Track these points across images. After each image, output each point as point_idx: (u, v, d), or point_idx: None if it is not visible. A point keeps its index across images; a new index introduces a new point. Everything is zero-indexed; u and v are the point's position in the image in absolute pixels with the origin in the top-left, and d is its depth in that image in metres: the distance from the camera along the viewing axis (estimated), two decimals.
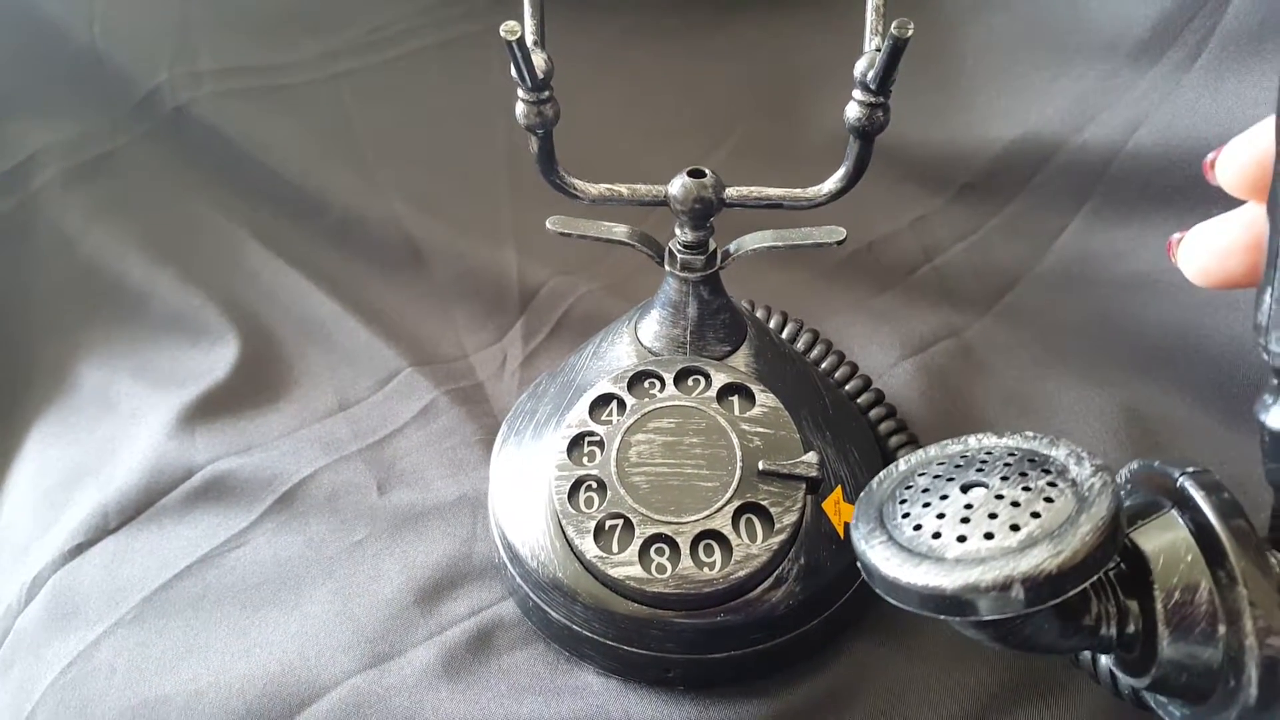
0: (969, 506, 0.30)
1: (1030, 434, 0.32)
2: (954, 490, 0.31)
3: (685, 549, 0.38)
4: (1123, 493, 0.33)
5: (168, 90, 0.66)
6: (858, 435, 0.46)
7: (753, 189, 0.41)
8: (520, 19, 0.36)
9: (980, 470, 0.32)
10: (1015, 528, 0.28)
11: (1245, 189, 0.31)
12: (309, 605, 0.45)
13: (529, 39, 0.37)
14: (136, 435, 0.54)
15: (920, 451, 0.34)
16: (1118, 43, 0.59)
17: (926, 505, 0.31)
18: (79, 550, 0.49)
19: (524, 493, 0.43)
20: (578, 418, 0.42)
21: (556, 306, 0.62)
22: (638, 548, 0.38)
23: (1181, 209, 0.57)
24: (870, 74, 0.35)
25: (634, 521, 0.39)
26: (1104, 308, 0.59)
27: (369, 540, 0.48)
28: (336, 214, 0.66)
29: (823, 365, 0.52)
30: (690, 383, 0.43)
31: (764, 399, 0.42)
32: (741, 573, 0.38)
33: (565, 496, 0.40)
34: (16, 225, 0.65)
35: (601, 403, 0.42)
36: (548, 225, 0.43)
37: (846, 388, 0.51)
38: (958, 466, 0.32)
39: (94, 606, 0.46)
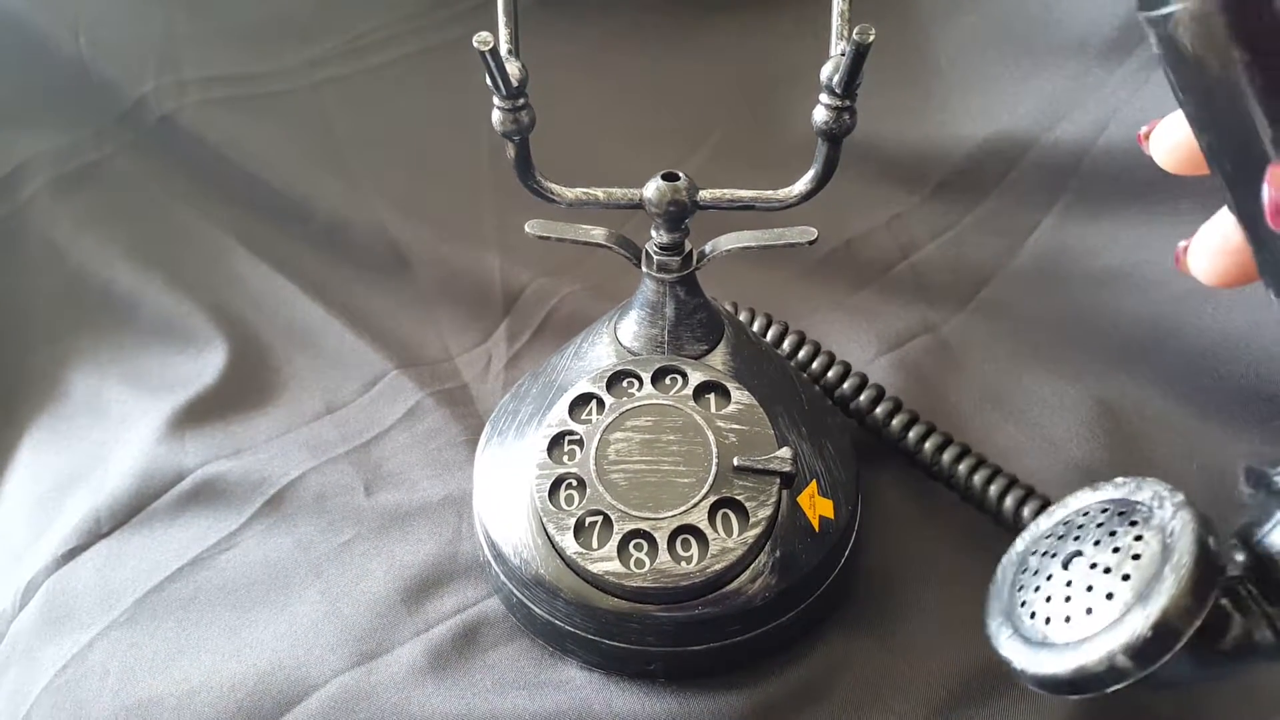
0: (1069, 584, 0.30)
1: (1120, 481, 0.32)
2: (1056, 568, 0.31)
3: (663, 544, 0.39)
4: (1248, 497, 0.31)
5: (153, 100, 0.67)
6: (834, 431, 0.47)
7: (726, 191, 0.42)
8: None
9: (1077, 538, 0.31)
10: (1110, 596, 0.28)
11: (1176, 164, 0.31)
12: (298, 605, 0.46)
13: (503, 48, 0.38)
14: (127, 440, 0.55)
15: (1032, 526, 0.34)
16: (1087, 42, 0.60)
17: (1037, 589, 0.31)
18: (72, 555, 0.50)
19: (507, 492, 0.44)
20: (558, 417, 0.43)
21: (540, 308, 0.63)
22: (616, 543, 0.39)
23: (1152, 203, 0.58)
24: (835, 78, 0.36)
25: (613, 518, 0.40)
26: (1078, 303, 0.60)
27: (356, 540, 0.49)
28: (322, 219, 0.67)
29: (813, 365, 0.53)
30: (668, 381, 0.44)
31: (739, 396, 0.43)
32: (718, 566, 0.39)
33: (546, 494, 0.41)
34: (6, 234, 0.65)
35: (581, 402, 0.43)
36: (526, 229, 0.44)
37: (844, 386, 0.51)
38: (1060, 538, 0.32)
39: (87, 610, 0.47)
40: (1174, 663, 0.28)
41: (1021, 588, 0.32)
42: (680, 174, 0.41)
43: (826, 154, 0.39)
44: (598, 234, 0.44)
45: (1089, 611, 0.29)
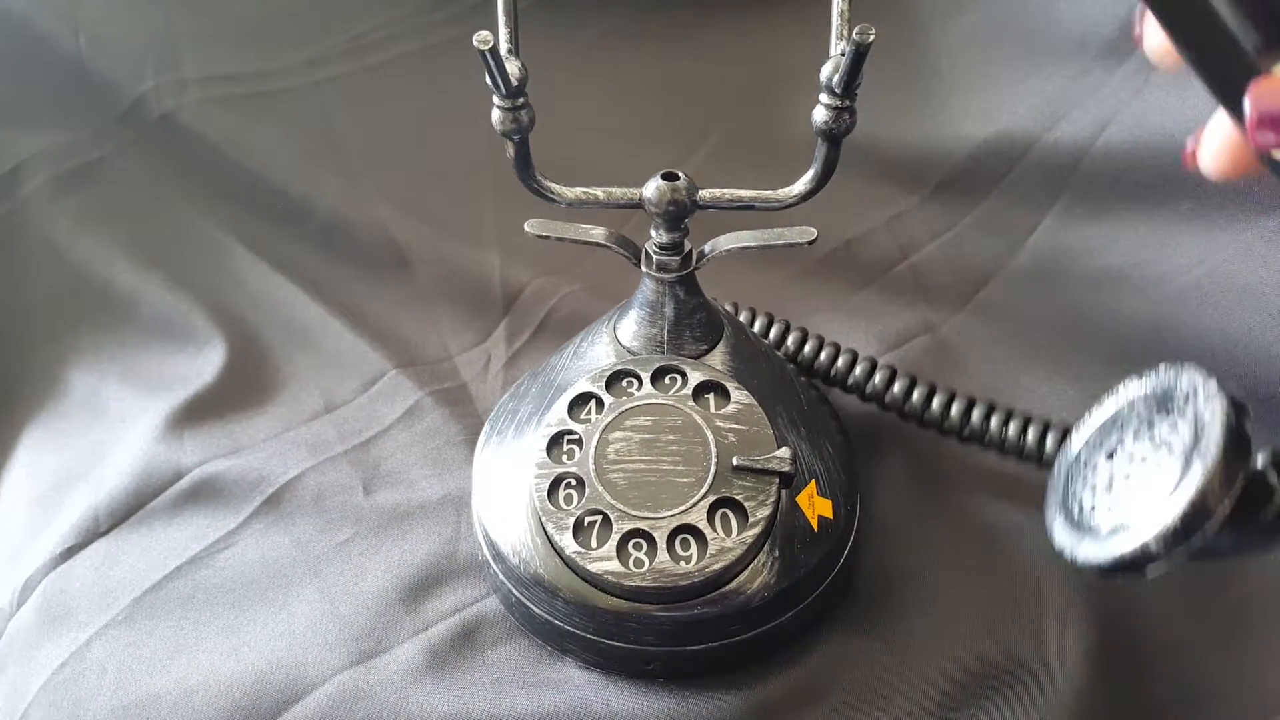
0: (1112, 475, 0.32)
1: (1162, 369, 0.32)
2: (1101, 459, 0.33)
3: (662, 543, 0.39)
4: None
5: (153, 98, 0.67)
6: (833, 431, 0.47)
7: (725, 191, 0.42)
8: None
9: (1121, 430, 0.33)
10: (1146, 485, 0.30)
11: (1229, 170, 0.30)
12: (296, 604, 0.46)
13: (503, 47, 0.38)
14: (126, 439, 0.55)
15: (1085, 422, 0.35)
16: (1087, 42, 0.60)
17: (1085, 481, 0.33)
18: (70, 553, 0.50)
19: (506, 491, 0.44)
20: (557, 417, 0.43)
21: (539, 308, 0.63)
22: (615, 543, 0.39)
23: (1152, 204, 0.58)
24: (835, 78, 0.36)
25: (612, 517, 0.40)
26: (1077, 303, 0.60)
27: (355, 540, 0.49)
28: (321, 218, 0.67)
29: (821, 357, 0.52)
30: (667, 381, 0.44)
31: (739, 396, 0.43)
32: (717, 566, 0.39)
33: (545, 494, 0.41)
34: (5, 233, 0.65)
35: (580, 402, 0.43)
36: (526, 228, 0.44)
37: (856, 371, 0.51)
38: (1106, 431, 0.34)
39: (85, 608, 0.47)
40: (1211, 540, 0.28)
41: (1072, 480, 0.34)
42: (680, 174, 0.41)
43: (826, 154, 0.40)
44: (597, 233, 0.44)
45: (1128, 501, 0.30)
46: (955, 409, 0.49)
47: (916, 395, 0.50)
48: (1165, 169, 0.57)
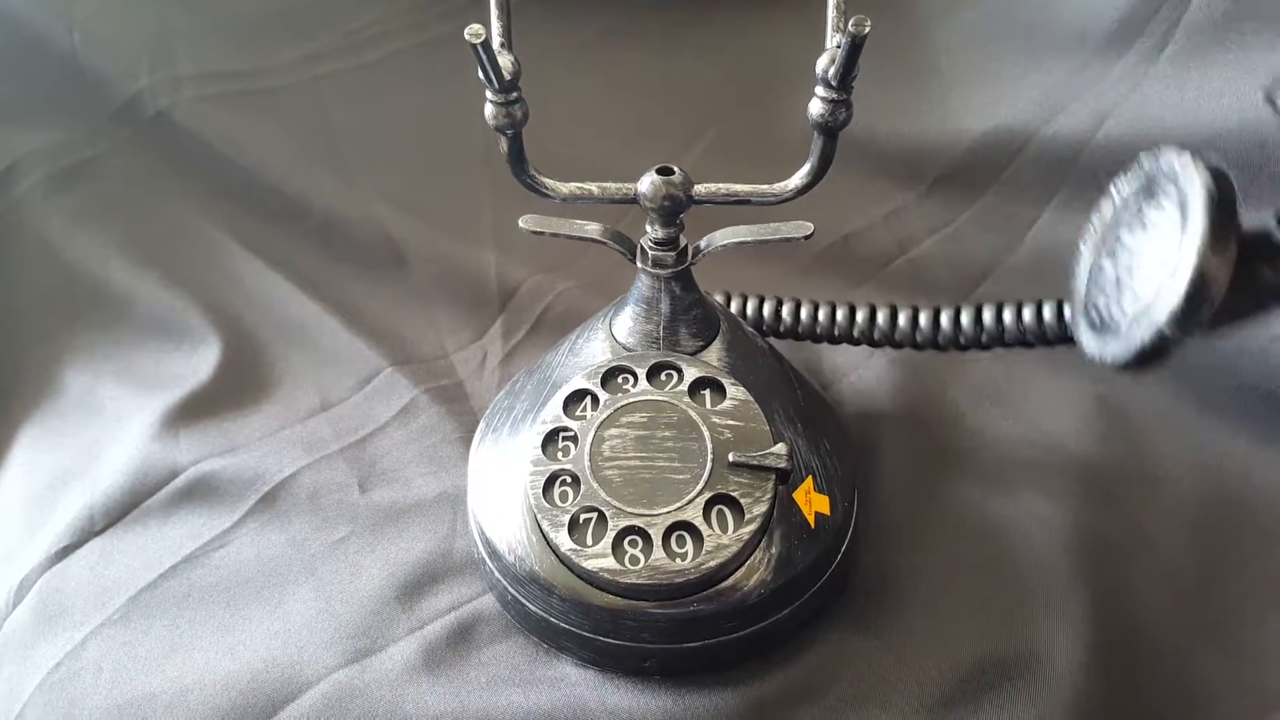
0: (1117, 273, 0.32)
1: (1141, 158, 0.33)
2: (1107, 260, 0.33)
3: (657, 540, 0.39)
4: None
5: (148, 96, 0.67)
6: (831, 426, 0.47)
7: (721, 186, 0.42)
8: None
9: (1118, 227, 0.33)
10: (1147, 275, 0.30)
11: None
12: (292, 603, 0.46)
13: (495, 41, 0.38)
14: (121, 438, 0.55)
15: (1087, 231, 0.36)
16: (1086, 36, 0.60)
17: (1097, 286, 0.34)
18: (66, 552, 0.49)
19: (501, 489, 0.44)
20: (552, 414, 0.43)
21: (535, 305, 0.63)
22: (611, 540, 0.39)
23: None
24: (831, 70, 0.36)
25: (607, 514, 0.40)
26: None
27: (351, 538, 0.49)
28: (317, 216, 0.67)
29: (819, 318, 0.51)
30: (663, 377, 0.43)
31: (735, 392, 0.42)
32: (713, 563, 0.39)
33: (540, 491, 0.41)
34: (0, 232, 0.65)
35: (576, 398, 0.43)
36: (520, 224, 0.44)
37: (857, 318, 0.50)
38: (1108, 235, 0.34)
39: (81, 607, 0.47)
40: (1223, 309, 0.29)
41: (1089, 292, 0.35)
42: (675, 168, 0.41)
43: (822, 148, 0.39)
44: (592, 229, 0.44)
45: (1137, 292, 0.31)
46: (965, 315, 0.47)
47: (903, 319, 0.49)
48: None
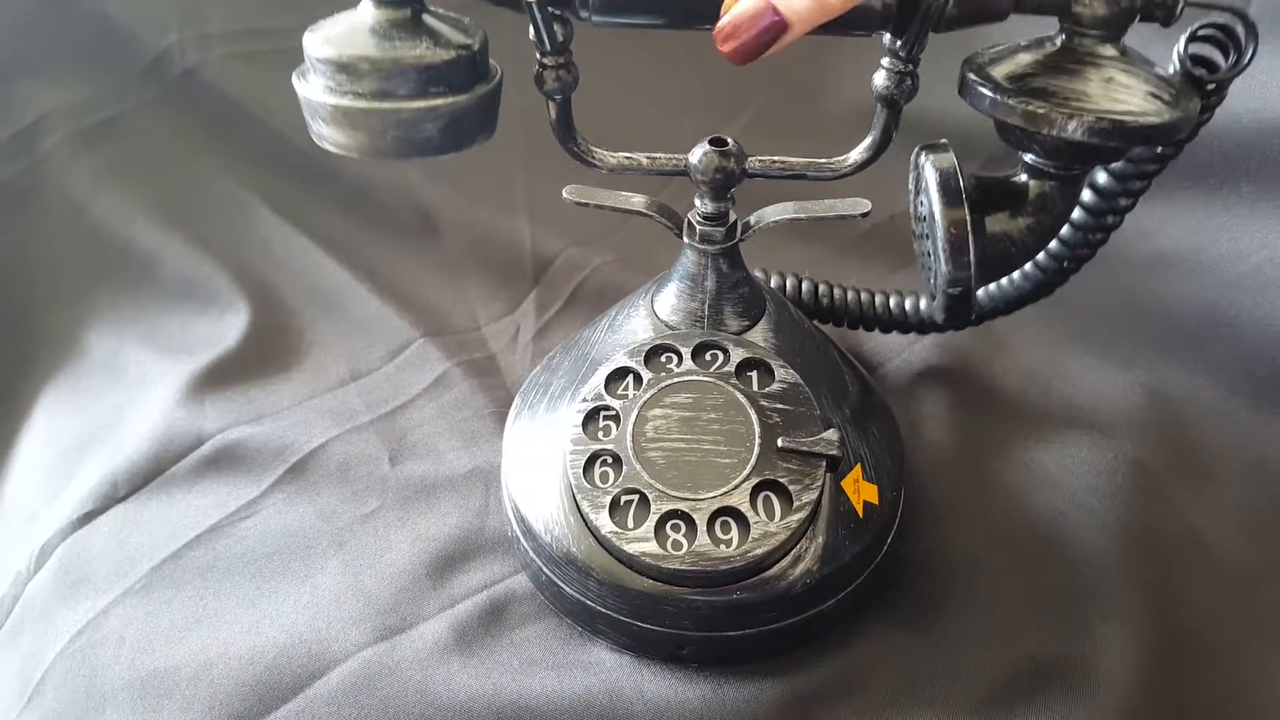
0: (926, 251, 0.42)
1: (913, 155, 0.41)
2: (918, 244, 0.44)
3: (702, 526, 0.38)
4: None
5: (177, 53, 0.65)
6: (879, 412, 0.46)
7: (775, 159, 0.40)
8: None
9: (917, 218, 0.43)
10: (936, 250, 0.39)
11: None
12: (319, 576, 0.45)
13: None
14: (145, 403, 0.54)
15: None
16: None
17: (924, 265, 0.44)
18: (88, 518, 0.48)
19: (538, 466, 0.43)
20: (593, 391, 0.41)
21: (570, 278, 0.61)
22: (654, 524, 0.38)
23: (1210, 187, 0.56)
24: (900, 41, 0.34)
25: (650, 497, 0.38)
26: (1129, 287, 0.58)
27: (380, 512, 0.48)
28: (349, 181, 0.65)
29: (863, 302, 0.53)
30: (708, 357, 0.42)
31: (783, 375, 0.41)
32: (759, 551, 0.37)
33: (580, 471, 0.39)
34: (23, 189, 0.64)
35: (618, 376, 0.42)
36: (564, 194, 0.42)
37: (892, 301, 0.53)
38: (914, 221, 0.44)
39: (103, 575, 0.46)
40: (987, 249, 0.39)
41: (921, 267, 0.44)
42: (728, 139, 0.40)
43: (885, 121, 0.38)
44: (638, 201, 0.43)
45: (935, 265, 0.40)
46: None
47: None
48: (1226, 150, 0.54)
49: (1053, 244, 0.43)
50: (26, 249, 0.63)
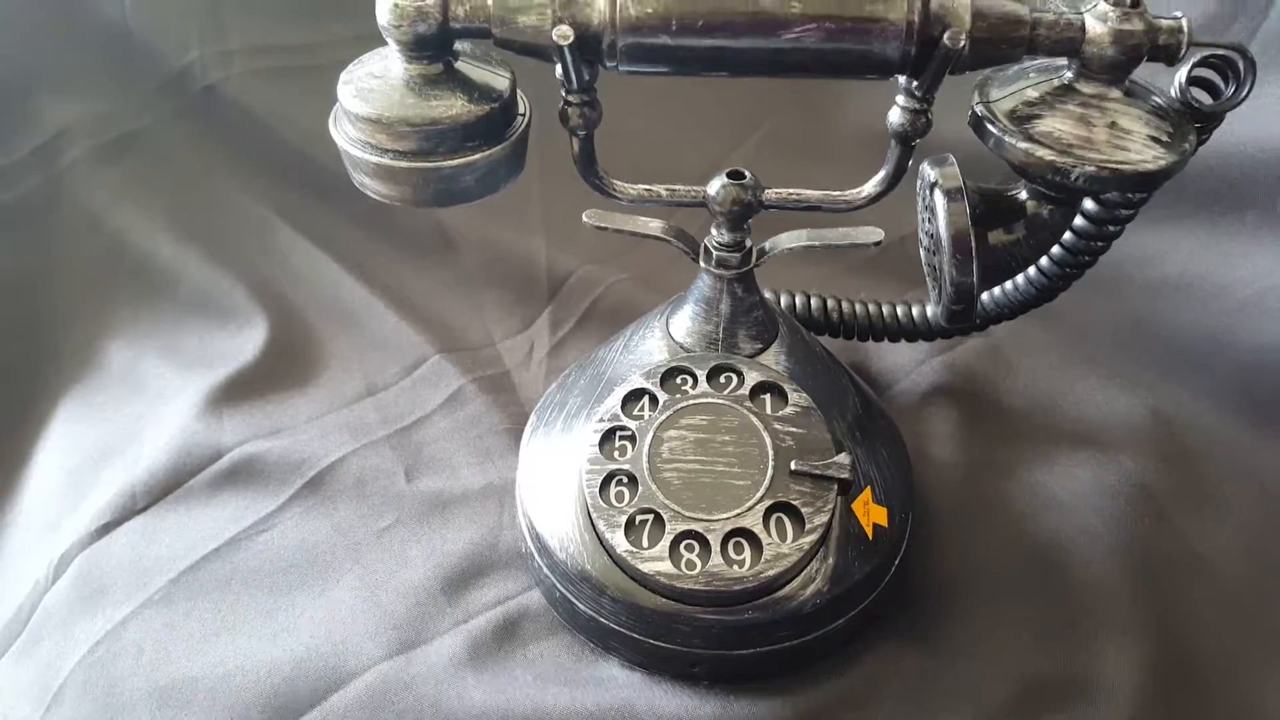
0: (932, 260, 0.43)
1: (920, 168, 0.42)
2: (925, 252, 0.44)
3: (716, 546, 0.38)
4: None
5: (198, 68, 0.66)
6: (887, 435, 0.47)
7: (791, 191, 0.41)
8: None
9: (922, 225, 0.44)
10: (942, 257, 0.40)
11: None
12: (336, 590, 0.46)
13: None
14: (164, 416, 0.55)
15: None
16: None
17: (930, 271, 0.44)
18: (106, 529, 0.49)
19: (553, 484, 0.44)
20: (610, 411, 0.42)
21: (585, 296, 0.62)
22: (668, 543, 0.39)
23: (1215, 213, 0.57)
24: (916, 82, 0.35)
25: (665, 517, 0.39)
26: (1134, 311, 0.59)
27: (396, 526, 0.49)
28: (366, 198, 0.66)
29: (857, 317, 0.54)
30: (723, 380, 0.43)
31: (796, 398, 0.42)
32: (771, 571, 0.38)
33: (597, 490, 0.40)
34: (43, 202, 0.65)
35: (634, 397, 0.42)
36: (584, 219, 0.43)
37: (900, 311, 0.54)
38: (920, 230, 0.45)
39: (121, 586, 0.46)
40: (988, 262, 0.41)
41: (927, 273, 0.45)
42: (745, 172, 0.40)
43: (899, 157, 0.38)
44: (655, 226, 0.44)
45: (941, 270, 0.40)
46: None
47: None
48: (1231, 179, 0.55)
49: (1055, 250, 0.43)
50: (45, 261, 0.64)
